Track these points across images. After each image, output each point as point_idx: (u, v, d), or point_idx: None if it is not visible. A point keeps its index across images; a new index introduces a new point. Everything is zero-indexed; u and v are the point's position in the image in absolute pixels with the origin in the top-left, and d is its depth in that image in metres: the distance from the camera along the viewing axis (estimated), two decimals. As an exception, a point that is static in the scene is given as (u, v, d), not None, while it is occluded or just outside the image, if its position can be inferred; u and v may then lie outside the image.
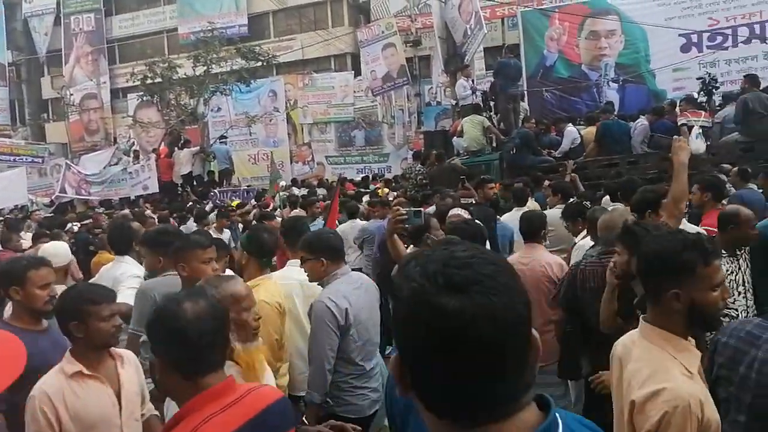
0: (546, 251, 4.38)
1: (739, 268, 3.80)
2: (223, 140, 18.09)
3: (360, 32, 18.23)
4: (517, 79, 10.93)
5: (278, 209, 10.20)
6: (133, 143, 20.24)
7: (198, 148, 16.24)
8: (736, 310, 3.79)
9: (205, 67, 16.40)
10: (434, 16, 12.61)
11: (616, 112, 11.11)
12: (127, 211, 10.92)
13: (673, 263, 1.79)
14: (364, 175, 16.52)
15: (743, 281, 3.79)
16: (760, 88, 9.24)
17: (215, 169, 16.08)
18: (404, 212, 3.39)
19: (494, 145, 10.67)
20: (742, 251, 3.84)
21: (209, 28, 17.21)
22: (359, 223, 7.63)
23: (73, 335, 2.36)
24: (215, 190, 15.03)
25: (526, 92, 15.63)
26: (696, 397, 1.66)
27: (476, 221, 4.21)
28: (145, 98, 19.01)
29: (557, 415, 0.92)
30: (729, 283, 3.75)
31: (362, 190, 11.89)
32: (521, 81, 15.78)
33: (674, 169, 3.19)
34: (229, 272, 3.57)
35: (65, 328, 2.37)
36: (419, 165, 10.73)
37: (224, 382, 1.72)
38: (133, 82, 19.15)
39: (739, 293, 3.79)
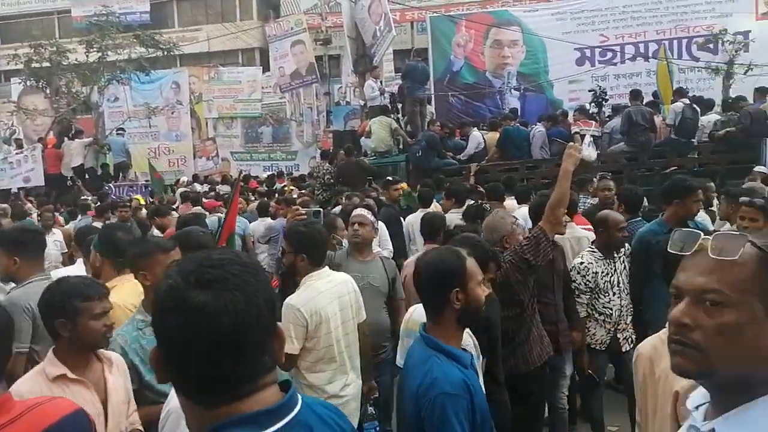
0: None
1: (615, 270, 4.06)
2: (120, 132, 17.07)
3: (268, 27, 17.85)
4: (424, 83, 11.12)
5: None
6: (15, 131, 18.61)
7: (91, 139, 15.22)
8: (611, 309, 4.05)
9: (100, 54, 15.37)
10: (344, 15, 12.57)
11: (518, 119, 11.59)
12: (5, 205, 9.99)
13: None
14: (271, 173, 16.16)
15: (618, 282, 4.05)
16: (643, 102, 10.01)
17: (110, 162, 15.13)
18: (303, 212, 3.33)
19: (401, 146, 10.81)
20: (620, 254, 4.10)
21: (104, 12, 16.15)
22: (268, 221, 7.64)
23: (58, 334, 2.11)
24: (110, 184, 14.16)
25: (433, 96, 16.00)
26: None
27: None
28: (29, 83, 17.55)
29: (300, 396, 1.08)
30: (604, 284, 4.00)
31: (267, 188, 11.66)
32: (428, 84, 16.19)
33: (559, 176, 3.26)
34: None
35: (50, 325, 2.12)
36: (327, 164, 10.65)
37: None
38: (16, 64, 17.62)
39: (614, 293, 4.04)
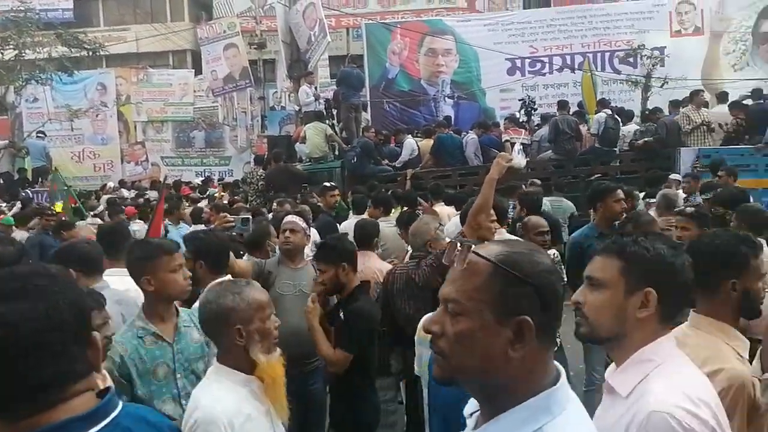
0: (378, 258, 4.48)
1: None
2: (41, 135, 16.16)
3: (200, 29, 17.41)
4: (359, 89, 11.16)
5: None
6: None
7: (6, 141, 14.35)
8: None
9: (17, 52, 14.52)
10: (278, 20, 12.43)
11: (451, 127, 11.80)
12: None
13: (732, 257, 1.94)
14: (203, 178, 15.75)
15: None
16: (570, 112, 10.42)
17: (28, 166, 14.30)
18: (231, 219, 3.25)
19: (337, 153, 10.79)
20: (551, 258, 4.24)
21: (22, 7, 15.28)
22: (201, 228, 7.32)
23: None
24: (27, 190, 13.37)
25: (369, 102, 16.08)
26: (749, 378, 1.82)
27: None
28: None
29: (121, 404, 1.09)
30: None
31: (200, 194, 11.34)
32: (364, 91, 16.27)
33: (483, 183, 3.32)
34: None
35: None
36: (261, 169, 10.49)
37: None
38: None
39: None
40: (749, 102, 10.05)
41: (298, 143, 10.97)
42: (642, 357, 1.54)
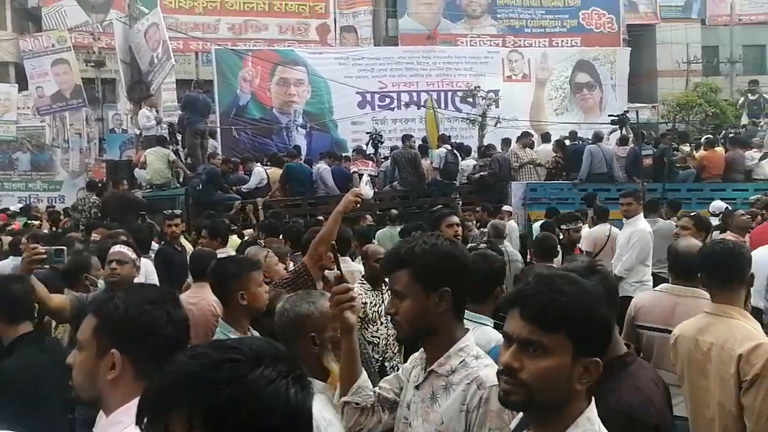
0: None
1: (382, 300, 4.32)
2: None
3: (24, 41, 15.76)
4: (205, 115, 10.79)
5: None
6: None
7: None
8: (378, 338, 4.30)
9: None
10: (117, 38, 11.67)
11: (303, 157, 11.80)
12: None
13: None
14: (23, 204, 14.11)
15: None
16: (413, 146, 10.97)
17: None
18: (42, 251, 2.93)
19: (181, 180, 10.29)
20: (387, 285, 4.38)
21: None
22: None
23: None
24: None
25: (219, 129, 15.63)
26: None
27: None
28: None
29: None
30: (372, 314, 4.24)
31: (51, 224, 10.11)
32: (213, 117, 15.79)
33: (330, 216, 3.37)
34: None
35: None
36: (94, 196, 9.65)
37: None
38: None
39: (381, 323, 4.30)
40: (567, 142, 11.33)
41: (137, 169, 10.30)
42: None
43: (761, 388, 2.23)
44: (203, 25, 19.36)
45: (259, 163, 10.68)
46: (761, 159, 10.55)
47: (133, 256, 3.95)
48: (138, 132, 11.87)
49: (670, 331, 2.85)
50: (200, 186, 9.26)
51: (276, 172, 10.22)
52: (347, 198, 3.38)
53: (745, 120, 13.45)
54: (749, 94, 13.84)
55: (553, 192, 10.30)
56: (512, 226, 8.64)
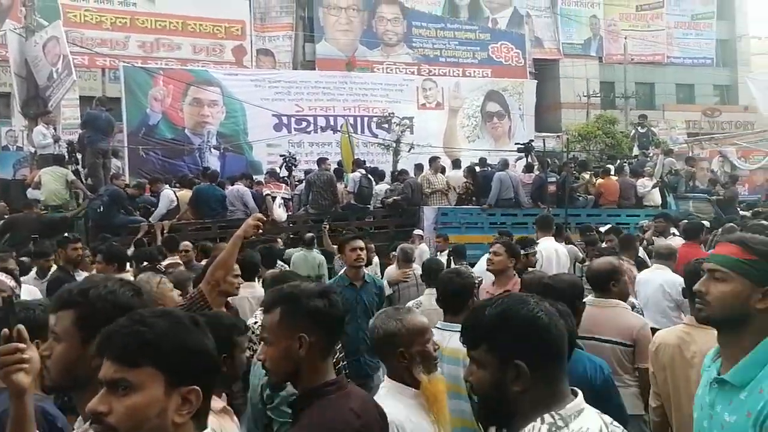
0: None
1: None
2: None
3: None
4: (108, 133, 10.29)
5: None
6: None
7: None
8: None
9: None
10: (11, 51, 10.95)
11: (218, 179, 11.35)
12: None
13: None
14: None
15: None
16: (329, 169, 10.99)
17: None
18: None
19: (81, 201, 9.73)
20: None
21: None
22: None
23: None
24: None
25: (126, 149, 14.96)
26: None
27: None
28: None
29: None
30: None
31: None
32: (120, 136, 15.11)
33: (230, 241, 3.28)
34: None
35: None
36: (-20, 217, 8.92)
37: None
38: None
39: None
40: (477, 169, 11.74)
41: (30, 189, 9.64)
42: None
43: None
44: (111, 41, 18.64)
45: (167, 185, 10.28)
46: (653, 187, 11.40)
47: (12, 283, 3.67)
48: (33, 150, 11.15)
49: (595, 338, 3.28)
50: (102, 208, 8.79)
51: (186, 195, 9.88)
52: (248, 223, 3.32)
53: (636, 151, 14.54)
54: (639, 127, 14.99)
55: (463, 216, 10.61)
56: (423, 249, 8.80)
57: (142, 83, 15.94)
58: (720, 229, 7.68)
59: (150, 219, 9.21)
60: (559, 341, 1.37)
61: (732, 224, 7.40)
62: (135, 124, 15.67)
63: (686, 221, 7.85)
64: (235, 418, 2.37)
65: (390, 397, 2.19)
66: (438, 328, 3.11)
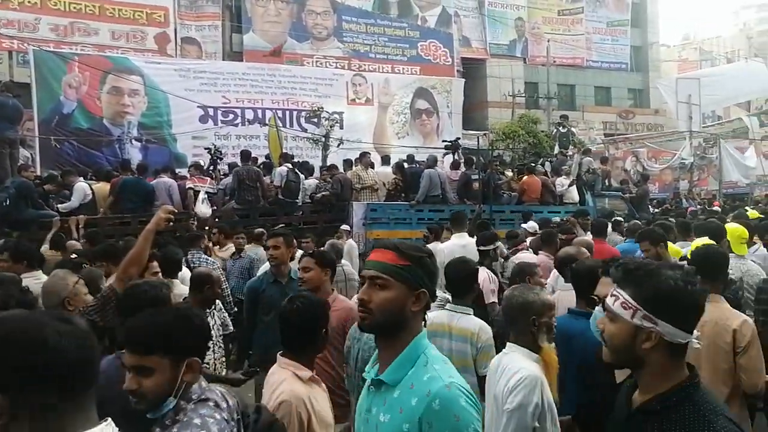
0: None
1: (213, 324, 4.15)
2: None
3: None
4: (15, 122, 9.59)
5: None
6: None
7: None
8: (207, 363, 4.11)
9: None
10: None
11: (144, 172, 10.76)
12: None
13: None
14: None
15: (212, 336, 4.16)
16: (256, 163, 10.76)
17: None
18: None
19: (-15, 193, 9.03)
20: (212, 309, 4.22)
21: None
22: None
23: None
24: None
25: (37, 139, 14.06)
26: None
27: None
28: None
29: None
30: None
31: None
32: (32, 125, 14.18)
33: (141, 235, 3.17)
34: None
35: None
36: None
37: None
38: None
39: (209, 347, 4.12)
40: (406, 165, 11.86)
41: (-74, 180, 8.86)
42: None
43: (752, 351, 3.06)
44: (20, 22, 17.41)
45: (81, 178, 9.72)
46: (570, 185, 11.92)
47: None
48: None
49: None
50: (8, 201, 8.20)
51: (103, 187, 9.39)
52: (158, 216, 3.21)
53: (557, 150, 15.16)
54: (560, 127, 15.63)
55: (392, 212, 10.69)
56: (351, 245, 8.80)
57: (55, 69, 15.03)
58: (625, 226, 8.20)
59: (61, 208, 8.69)
60: None
61: (636, 221, 7.84)
62: (47, 112, 14.77)
63: (593, 219, 8.22)
64: (323, 384, 2.59)
65: (521, 358, 2.60)
66: (447, 309, 3.51)
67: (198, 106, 16.20)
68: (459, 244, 6.47)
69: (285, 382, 2.39)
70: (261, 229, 8.18)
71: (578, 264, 3.49)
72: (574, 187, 11.99)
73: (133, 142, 15.77)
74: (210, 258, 7.27)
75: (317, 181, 11.06)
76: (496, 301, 5.00)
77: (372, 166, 11.42)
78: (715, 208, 14.85)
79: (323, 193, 10.52)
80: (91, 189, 9.42)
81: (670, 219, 8.19)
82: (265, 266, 5.24)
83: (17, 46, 16.85)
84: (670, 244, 5.10)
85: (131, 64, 16.23)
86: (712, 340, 3.07)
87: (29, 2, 17.58)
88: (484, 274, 5.01)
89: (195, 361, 1.84)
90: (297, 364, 2.48)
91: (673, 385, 1.53)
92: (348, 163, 11.74)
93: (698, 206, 15.58)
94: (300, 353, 2.52)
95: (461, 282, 3.59)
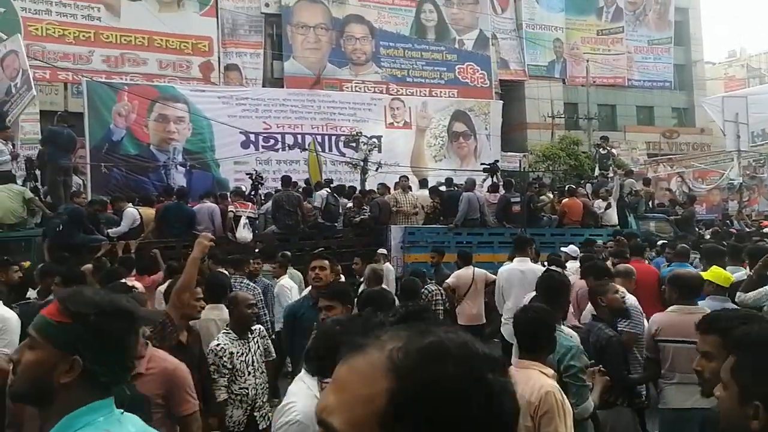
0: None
1: (249, 350, 4.20)
2: None
3: None
4: (70, 150, 10.06)
5: None
6: None
7: None
8: (247, 389, 4.15)
9: None
10: (-34, 64, 10.71)
11: (185, 197, 11.07)
12: None
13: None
14: None
15: (252, 361, 4.21)
16: (295, 188, 10.93)
17: None
18: None
19: (39, 219, 9.46)
20: (253, 333, 4.27)
21: None
22: None
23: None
24: None
25: (88, 166, 14.65)
26: None
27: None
28: None
29: None
30: (240, 364, 4.10)
31: None
32: (84, 152, 14.79)
33: (187, 262, 3.29)
34: None
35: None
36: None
37: None
38: None
39: (249, 373, 4.17)
40: (444, 188, 11.85)
41: (-17, 207, 9.32)
42: None
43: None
44: (74, 55, 18.31)
45: (130, 203, 10.08)
46: (606, 208, 11.68)
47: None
48: (-11, 166, 10.80)
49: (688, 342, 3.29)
50: (61, 227, 8.55)
51: (149, 212, 9.70)
52: (201, 243, 3.32)
53: (597, 172, 14.90)
54: (600, 149, 15.38)
55: (430, 236, 10.67)
56: (388, 269, 8.81)
57: (106, 98, 15.69)
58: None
59: (111, 233, 9.01)
60: None
61: (683, 245, 7.63)
62: (98, 140, 15.39)
63: (632, 242, 8.15)
64: None
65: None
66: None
67: (240, 132, 16.61)
68: (518, 269, 6.45)
69: (540, 377, 2.75)
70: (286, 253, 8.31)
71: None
72: (613, 209, 11.74)
73: (178, 167, 16.24)
74: (251, 283, 7.38)
75: (348, 202, 11.12)
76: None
77: (410, 189, 11.46)
78: (766, 230, 14.29)
79: (362, 217, 10.60)
80: (140, 214, 9.75)
81: (723, 242, 7.93)
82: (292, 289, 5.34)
83: (72, 77, 17.67)
84: (720, 269, 4.94)
85: (177, 92, 16.81)
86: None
87: (83, 36, 18.49)
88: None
89: None
90: (538, 363, 2.83)
91: None
92: (383, 187, 11.80)
93: (747, 228, 15.03)
94: (540, 354, 2.88)
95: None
